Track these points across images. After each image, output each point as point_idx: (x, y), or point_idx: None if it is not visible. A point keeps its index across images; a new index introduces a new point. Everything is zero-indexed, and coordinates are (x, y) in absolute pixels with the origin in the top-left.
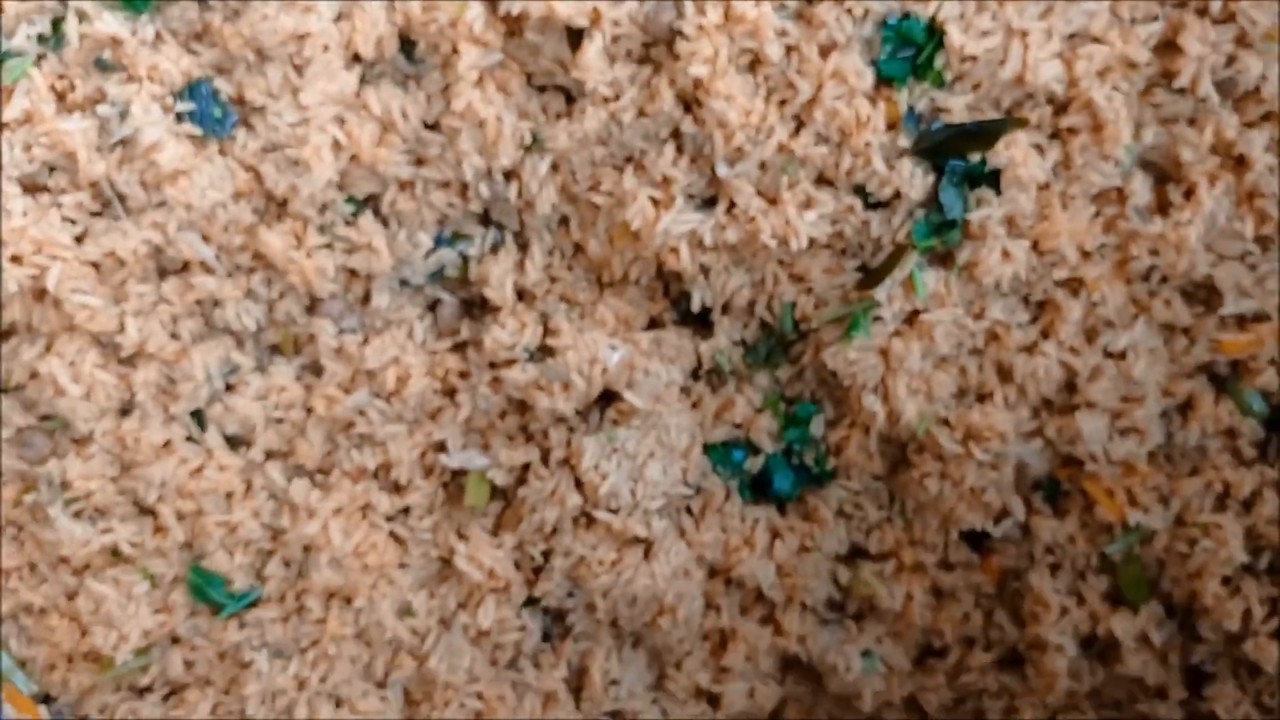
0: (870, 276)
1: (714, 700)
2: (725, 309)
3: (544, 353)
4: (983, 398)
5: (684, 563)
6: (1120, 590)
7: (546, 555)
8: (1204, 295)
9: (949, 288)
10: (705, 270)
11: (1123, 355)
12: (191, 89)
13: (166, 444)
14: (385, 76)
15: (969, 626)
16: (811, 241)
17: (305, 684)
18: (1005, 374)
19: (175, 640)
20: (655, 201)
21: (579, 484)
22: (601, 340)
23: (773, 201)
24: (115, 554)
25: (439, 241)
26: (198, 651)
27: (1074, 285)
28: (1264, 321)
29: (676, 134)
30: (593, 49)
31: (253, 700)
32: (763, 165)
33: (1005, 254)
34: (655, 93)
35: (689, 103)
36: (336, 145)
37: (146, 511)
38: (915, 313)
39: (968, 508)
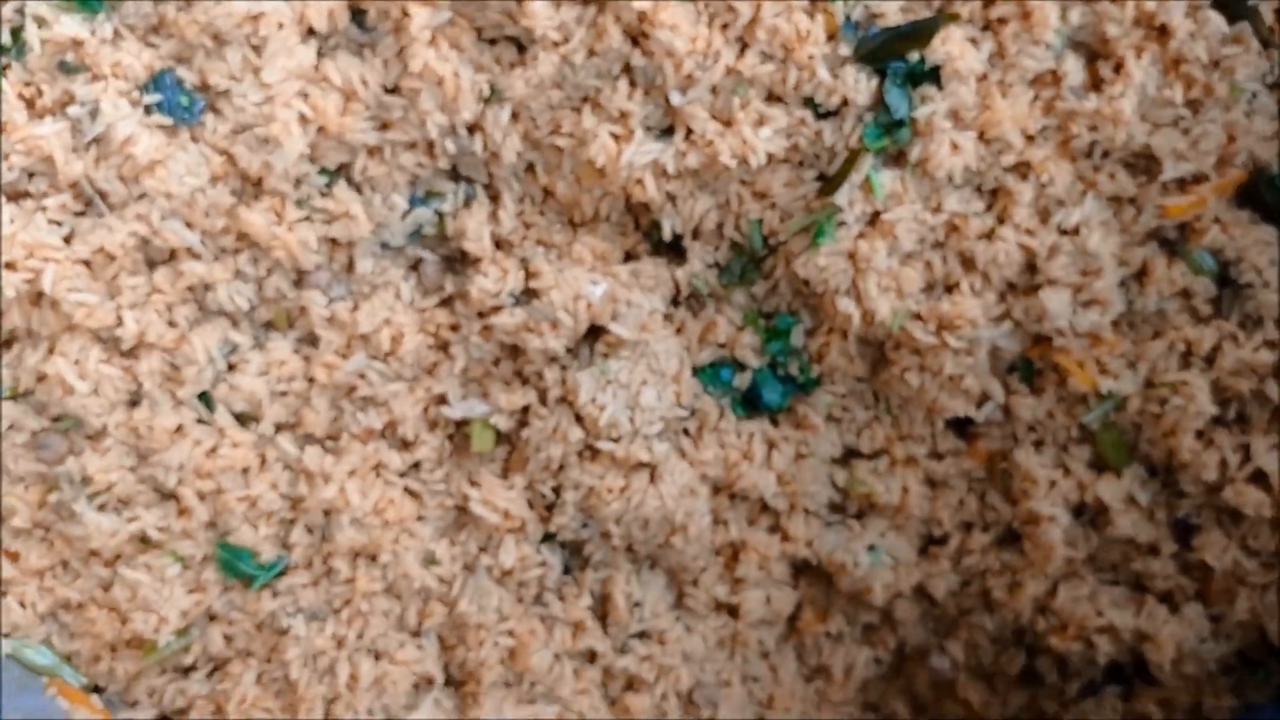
0: (829, 184)
1: (733, 611)
2: (695, 234)
3: (529, 296)
4: (950, 288)
5: (689, 482)
6: (1102, 457)
7: (557, 491)
8: (1144, 164)
9: (905, 185)
10: (672, 198)
11: (1076, 231)
12: (156, 81)
13: (179, 428)
14: (341, 47)
15: (965, 511)
16: (769, 157)
17: (343, 642)
18: (968, 263)
19: (213, 618)
20: (615, 136)
21: (579, 419)
22: (582, 276)
23: (727, 123)
24: (144, 541)
25: (413, 202)
26: (235, 625)
27: (1022, 169)
28: (1203, 182)
29: (628, 69)
30: None
31: (294, 664)
32: (714, 89)
33: (954, 146)
34: (603, 31)
35: (636, 37)
36: (303, 119)
37: (168, 496)
38: (876, 214)
39: (949, 396)
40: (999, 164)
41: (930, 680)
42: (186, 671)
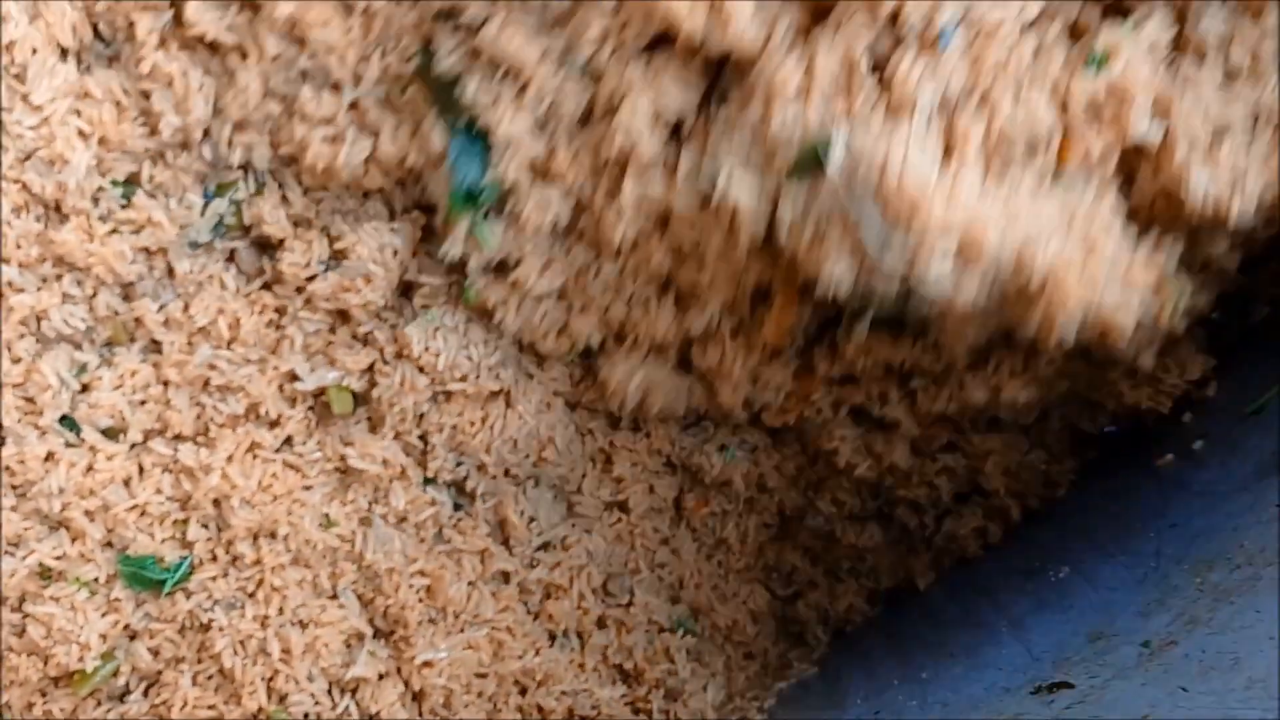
0: None
1: (623, 506)
2: None
3: (337, 258)
4: None
5: (543, 397)
6: None
7: (424, 438)
8: None
9: None
10: None
11: None
12: None
13: (49, 455)
14: (95, 62)
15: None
16: None
17: (267, 621)
18: None
19: (133, 635)
20: (331, 139)
21: (421, 369)
22: (382, 228)
23: None
24: (44, 576)
25: (207, 197)
26: (158, 635)
27: None
28: None
29: (305, 74)
30: None
31: (226, 655)
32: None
33: None
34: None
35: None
36: (82, 134)
37: (58, 525)
38: None
39: None
40: None
41: (814, 533)
42: (123, 697)
